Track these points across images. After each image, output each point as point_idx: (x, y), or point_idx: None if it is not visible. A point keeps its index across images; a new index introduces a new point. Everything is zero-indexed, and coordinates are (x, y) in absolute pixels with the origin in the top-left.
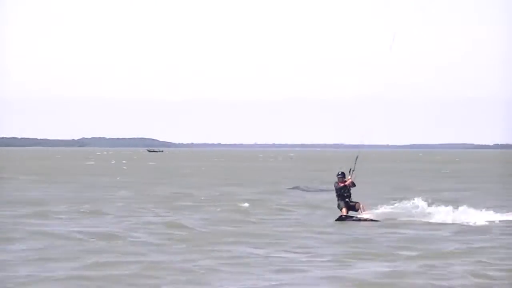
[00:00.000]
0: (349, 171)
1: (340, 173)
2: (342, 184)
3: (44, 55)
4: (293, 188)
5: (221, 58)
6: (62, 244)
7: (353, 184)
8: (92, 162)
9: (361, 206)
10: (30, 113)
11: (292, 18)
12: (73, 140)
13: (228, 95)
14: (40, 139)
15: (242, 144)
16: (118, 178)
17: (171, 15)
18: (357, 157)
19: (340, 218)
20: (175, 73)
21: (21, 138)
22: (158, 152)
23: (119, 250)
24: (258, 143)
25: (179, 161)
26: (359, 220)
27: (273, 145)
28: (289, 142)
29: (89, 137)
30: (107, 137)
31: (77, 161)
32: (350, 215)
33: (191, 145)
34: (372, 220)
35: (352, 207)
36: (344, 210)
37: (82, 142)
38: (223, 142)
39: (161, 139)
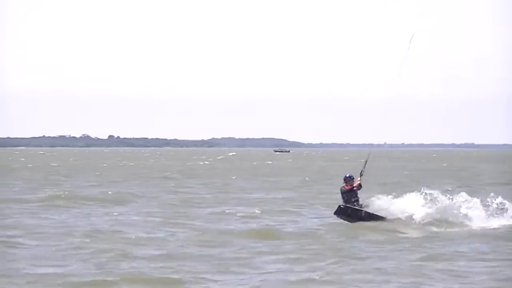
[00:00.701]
0: (360, 173)
1: (348, 175)
2: (348, 188)
3: (182, 57)
4: None
5: (349, 57)
6: None
7: (360, 186)
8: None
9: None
10: (161, 114)
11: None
12: (202, 140)
13: (357, 95)
14: (170, 140)
15: (372, 144)
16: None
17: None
18: (366, 161)
19: (339, 211)
20: (303, 73)
21: (152, 139)
22: (285, 152)
23: None
24: (388, 143)
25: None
26: (366, 217)
27: (402, 145)
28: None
29: (219, 137)
30: (236, 137)
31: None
32: (356, 208)
33: (320, 145)
34: (380, 217)
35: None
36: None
37: (211, 143)
38: (352, 142)
39: (290, 139)
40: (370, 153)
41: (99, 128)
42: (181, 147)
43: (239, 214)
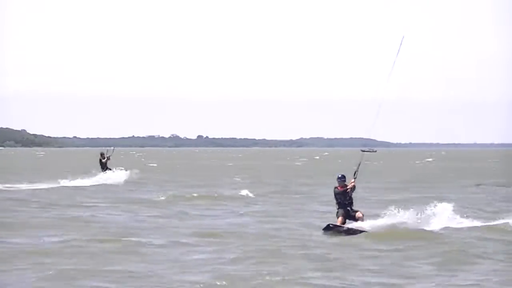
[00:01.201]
0: (354, 174)
1: (340, 175)
2: (341, 189)
3: (267, 57)
4: None
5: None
6: None
7: (354, 188)
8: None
9: (361, 215)
10: (249, 114)
11: None
12: (291, 140)
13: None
14: (258, 140)
15: (460, 143)
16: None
17: None
18: (359, 163)
19: (328, 228)
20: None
21: (240, 139)
22: (372, 152)
23: None
24: (478, 142)
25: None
26: (347, 233)
27: (492, 144)
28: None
29: (307, 137)
30: (325, 137)
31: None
32: (339, 225)
33: (409, 144)
34: (360, 231)
35: (352, 216)
36: (340, 219)
37: (300, 143)
38: (441, 142)
39: (379, 139)
40: (363, 155)
41: (188, 128)
42: (270, 147)
43: None
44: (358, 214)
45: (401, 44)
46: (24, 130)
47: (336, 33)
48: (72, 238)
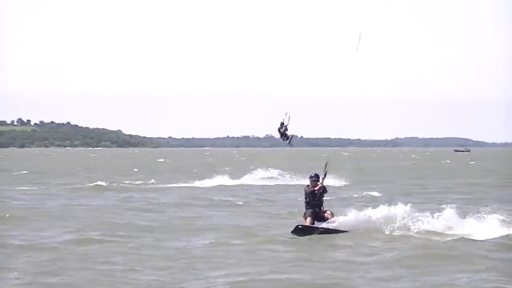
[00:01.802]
0: (323, 175)
1: (313, 174)
2: (311, 189)
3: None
4: None
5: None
6: None
7: (324, 190)
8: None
9: (329, 215)
10: (344, 113)
11: None
12: (385, 140)
13: None
14: (353, 139)
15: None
16: None
17: None
18: (326, 163)
19: (297, 229)
20: (478, 72)
21: (335, 139)
22: (464, 152)
23: None
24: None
25: None
26: (324, 232)
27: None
28: None
29: (402, 137)
30: (420, 137)
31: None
32: (312, 226)
33: (505, 144)
34: (339, 231)
35: (321, 217)
36: (308, 219)
37: (395, 142)
38: None
39: (474, 139)
40: (330, 155)
41: None
42: (364, 147)
43: None
44: (326, 214)
45: (359, 39)
46: (120, 131)
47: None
48: None
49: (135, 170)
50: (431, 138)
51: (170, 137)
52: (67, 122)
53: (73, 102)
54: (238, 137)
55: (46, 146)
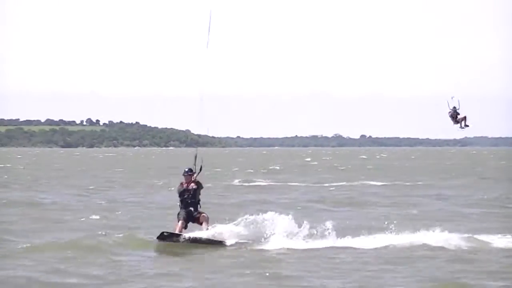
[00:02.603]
0: (196, 170)
1: (187, 169)
2: (184, 186)
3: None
4: None
5: None
6: None
7: (199, 186)
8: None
9: (205, 219)
10: (411, 112)
11: None
12: (454, 139)
13: None
14: (422, 139)
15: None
16: None
17: None
18: (195, 156)
19: (162, 236)
20: None
21: (403, 138)
22: None
23: None
24: None
25: None
26: (194, 241)
27: None
28: None
29: (471, 136)
30: (489, 136)
31: None
32: (176, 234)
33: None
34: (213, 241)
35: (196, 219)
36: (180, 223)
37: (464, 142)
38: None
39: None
40: (197, 149)
41: (351, 127)
42: (433, 146)
43: None
44: (201, 218)
45: (210, 19)
46: (188, 130)
47: None
48: None
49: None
50: (501, 138)
51: (238, 137)
52: (136, 122)
53: (141, 102)
54: (306, 137)
55: (115, 146)
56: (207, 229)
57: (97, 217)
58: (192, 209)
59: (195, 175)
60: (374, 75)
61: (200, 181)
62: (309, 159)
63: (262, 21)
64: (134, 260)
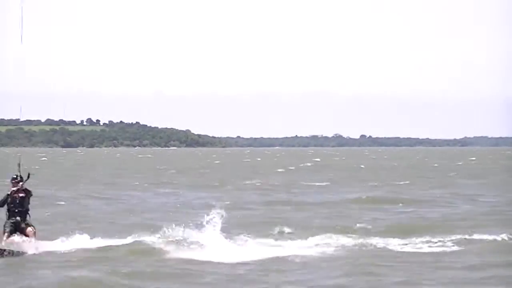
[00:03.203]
0: (27, 177)
1: (14, 176)
2: (11, 194)
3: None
4: None
5: None
6: None
7: (28, 194)
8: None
9: (31, 233)
10: (410, 113)
11: None
12: (455, 139)
13: None
14: (422, 139)
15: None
16: None
17: None
18: (19, 163)
19: None
20: None
21: (403, 138)
22: None
23: None
24: None
25: None
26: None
27: None
28: None
29: (471, 136)
30: (489, 136)
31: None
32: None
33: None
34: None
35: (22, 229)
36: (5, 236)
37: (464, 142)
38: None
39: None
40: (20, 155)
41: (351, 127)
42: (433, 146)
43: None
44: (28, 231)
45: (21, 29)
46: (189, 130)
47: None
48: None
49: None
50: (501, 138)
51: (238, 137)
52: (136, 122)
53: (141, 102)
54: (306, 137)
55: (115, 146)
56: (32, 242)
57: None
58: (19, 218)
59: (22, 183)
60: (374, 75)
61: (29, 189)
62: (318, 159)
63: (262, 20)
64: None
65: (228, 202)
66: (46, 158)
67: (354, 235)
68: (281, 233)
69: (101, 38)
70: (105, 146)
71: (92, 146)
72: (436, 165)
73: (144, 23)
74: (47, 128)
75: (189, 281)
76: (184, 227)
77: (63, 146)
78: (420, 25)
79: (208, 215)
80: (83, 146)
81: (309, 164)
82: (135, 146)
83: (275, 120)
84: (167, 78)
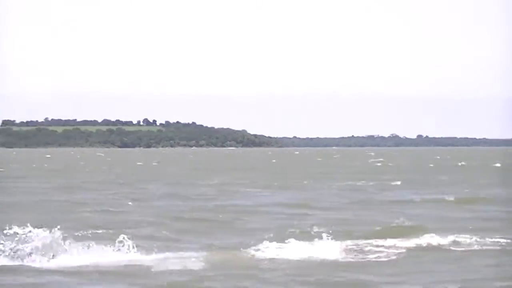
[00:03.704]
0: None
1: None
2: None
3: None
4: None
5: None
6: None
7: None
8: None
9: None
10: (468, 112)
11: None
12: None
13: None
14: (479, 139)
15: None
16: None
17: None
18: None
19: None
20: None
21: (460, 138)
22: None
23: None
24: None
25: None
26: None
27: None
28: None
29: None
30: None
31: None
32: None
33: None
34: None
35: None
36: None
37: None
38: None
39: None
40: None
41: (407, 127)
42: (490, 146)
43: None
44: None
45: None
46: (245, 131)
47: None
48: None
49: None
50: None
51: (294, 137)
52: (192, 122)
53: (198, 102)
54: (363, 137)
55: (171, 146)
56: None
57: None
58: None
59: None
60: (431, 75)
61: None
62: (381, 159)
63: (327, 20)
64: None
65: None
66: (141, 163)
67: None
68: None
69: (160, 39)
70: (162, 146)
71: (149, 146)
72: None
73: (202, 24)
74: (104, 128)
75: None
76: None
77: (119, 146)
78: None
79: None
80: (139, 147)
81: (379, 164)
82: (191, 146)
83: (331, 120)
84: (223, 78)
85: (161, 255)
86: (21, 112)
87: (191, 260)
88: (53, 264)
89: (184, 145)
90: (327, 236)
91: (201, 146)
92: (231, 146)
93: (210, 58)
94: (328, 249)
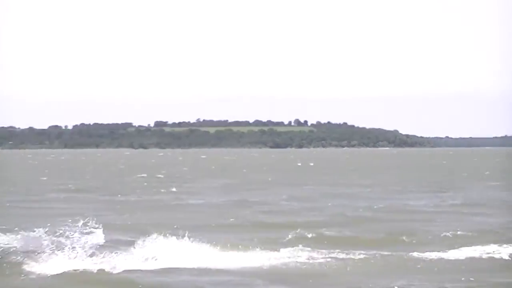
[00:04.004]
0: None
1: None
2: None
3: None
4: None
5: None
6: None
7: None
8: None
9: None
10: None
11: None
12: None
13: None
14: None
15: None
16: None
17: None
18: None
19: None
20: None
21: (502, 137)
22: None
23: None
24: None
25: None
26: None
27: None
28: None
29: None
30: None
31: None
32: None
33: None
34: None
35: None
36: None
37: None
38: None
39: None
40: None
41: None
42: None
43: None
44: None
45: None
46: (397, 131)
47: None
48: None
49: None
50: None
51: (447, 137)
52: (344, 123)
53: (349, 103)
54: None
55: (323, 146)
56: None
57: None
58: None
59: None
60: None
61: None
62: None
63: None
64: None
65: None
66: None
67: None
68: None
69: (310, 43)
70: (313, 147)
71: (301, 146)
72: None
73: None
74: (255, 129)
75: None
76: None
77: (271, 147)
78: None
79: None
80: (291, 147)
81: None
82: (343, 147)
83: (484, 120)
84: (373, 79)
85: None
86: (173, 113)
87: None
88: None
89: (336, 146)
90: None
91: (353, 146)
92: (383, 146)
93: (361, 59)
94: None
